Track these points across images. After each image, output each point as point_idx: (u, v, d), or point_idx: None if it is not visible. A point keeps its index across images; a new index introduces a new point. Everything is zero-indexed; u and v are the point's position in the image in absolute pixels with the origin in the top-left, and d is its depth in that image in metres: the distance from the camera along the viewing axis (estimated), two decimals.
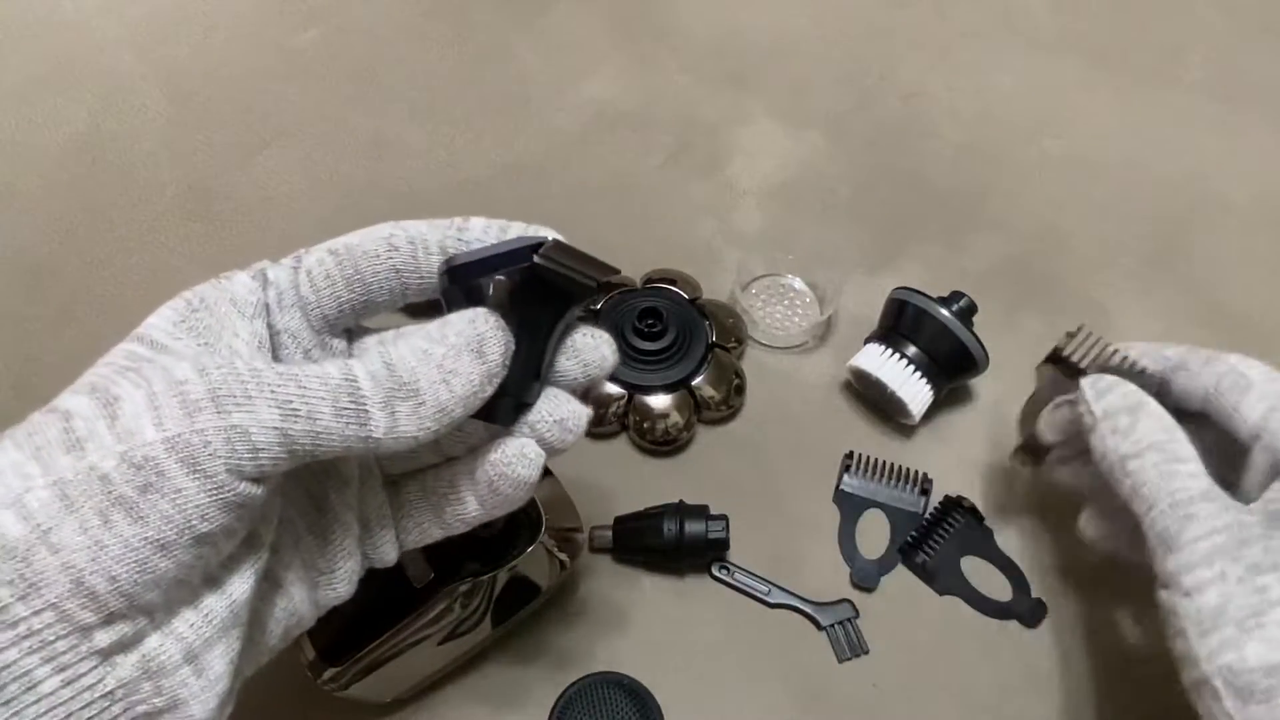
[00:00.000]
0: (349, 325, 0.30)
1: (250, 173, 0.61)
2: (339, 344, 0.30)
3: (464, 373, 0.25)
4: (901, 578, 0.46)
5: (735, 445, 0.50)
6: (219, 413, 0.23)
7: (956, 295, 0.49)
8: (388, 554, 0.31)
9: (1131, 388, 0.36)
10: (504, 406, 0.28)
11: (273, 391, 0.23)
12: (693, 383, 0.50)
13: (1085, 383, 0.38)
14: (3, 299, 0.55)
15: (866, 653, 0.44)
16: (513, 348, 0.27)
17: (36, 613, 0.22)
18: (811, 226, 0.60)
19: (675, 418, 0.49)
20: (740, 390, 0.51)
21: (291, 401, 0.24)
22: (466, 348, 0.26)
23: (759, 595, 0.46)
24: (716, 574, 0.46)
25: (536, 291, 0.27)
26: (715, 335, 0.51)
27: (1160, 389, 0.38)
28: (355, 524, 0.30)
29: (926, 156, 0.64)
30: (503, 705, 0.42)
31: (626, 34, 0.70)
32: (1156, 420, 0.35)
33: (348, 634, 0.37)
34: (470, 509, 0.30)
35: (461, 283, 0.27)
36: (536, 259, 0.27)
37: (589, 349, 0.30)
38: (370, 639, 0.37)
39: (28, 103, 0.64)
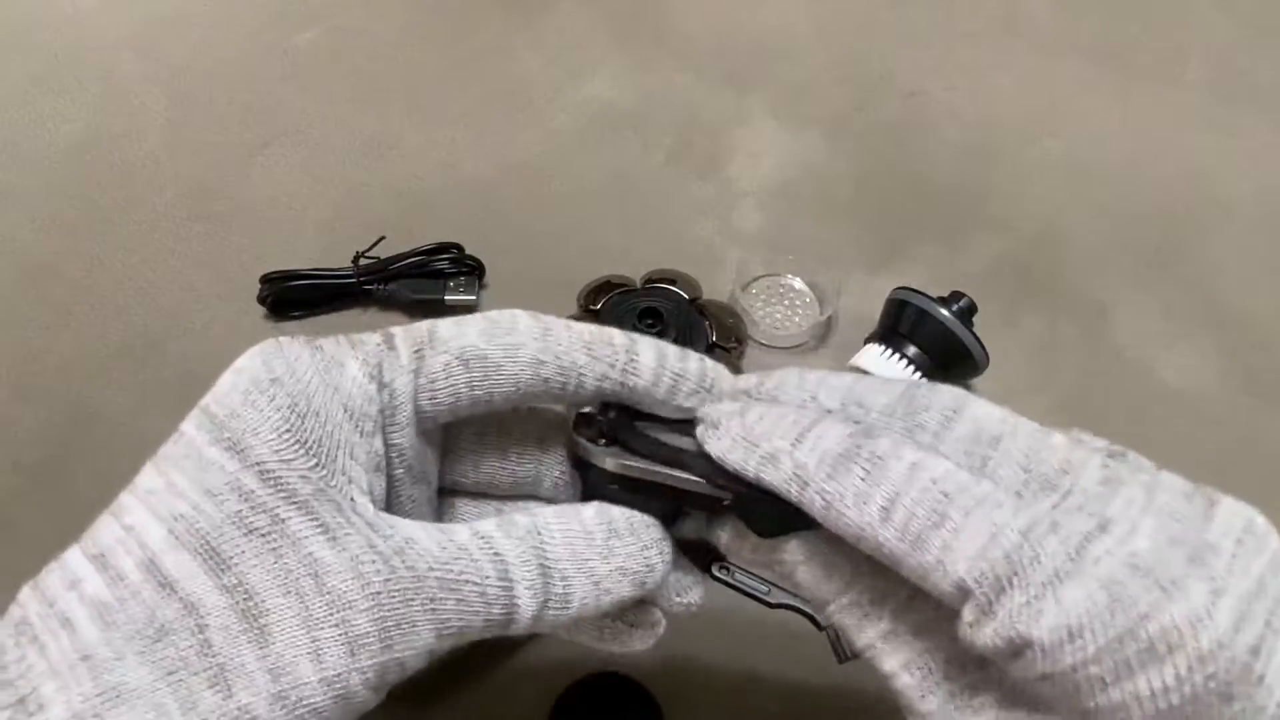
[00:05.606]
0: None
1: (250, 173, 0.61)
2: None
3: (616, 594, 0.24)
4: None
5: None
6: (383, 647, 0.21)
7: (956, 295, 0.49)
8: None
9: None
10: None
11: (434, 610, 0.21)
12: None
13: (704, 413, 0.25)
14: (3, 299, 0.54)
15: None
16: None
17: None
18: (811, 226, 0.60)
19: None
20: None
21: (449, 621, 0.22)
22: (631, 582, 0.24)
23: (759, 595, 0.45)
24: (716, 574, 0.46)
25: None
26: (715, 335, 0.51)
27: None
28: None
29: (926, 156, 0.64)
30: (503, 705, 0.42)
31: (626, 34, 0.70)
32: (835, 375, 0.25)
33: None
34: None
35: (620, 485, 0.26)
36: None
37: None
38: None
39: (28, 103, 0.64)
